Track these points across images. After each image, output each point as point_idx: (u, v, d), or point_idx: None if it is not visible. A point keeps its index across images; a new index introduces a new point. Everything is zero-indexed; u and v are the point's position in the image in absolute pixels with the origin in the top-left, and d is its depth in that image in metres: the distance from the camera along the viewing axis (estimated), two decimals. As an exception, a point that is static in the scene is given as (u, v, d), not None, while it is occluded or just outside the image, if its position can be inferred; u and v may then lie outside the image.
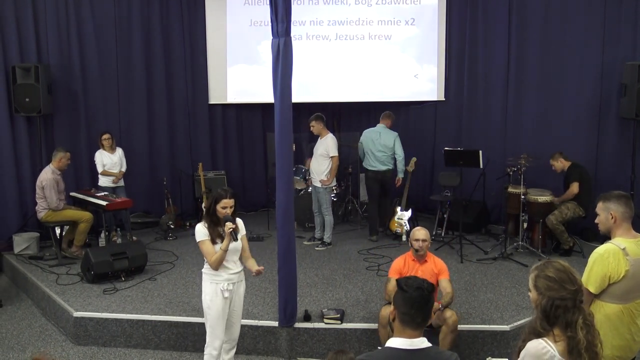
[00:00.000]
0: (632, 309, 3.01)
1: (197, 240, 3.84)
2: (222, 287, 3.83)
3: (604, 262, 2.95)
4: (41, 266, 6.29)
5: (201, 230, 3.83)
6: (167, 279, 5.89)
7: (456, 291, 5.28)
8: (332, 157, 6.86)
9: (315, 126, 6.91)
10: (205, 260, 3.86)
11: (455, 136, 8.22)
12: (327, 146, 6.85)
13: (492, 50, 7.77)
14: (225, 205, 3.78)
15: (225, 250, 3.76)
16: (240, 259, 3.98)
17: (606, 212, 3.09)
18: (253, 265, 3.93)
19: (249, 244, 7.54)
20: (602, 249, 3.00)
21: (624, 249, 2.95)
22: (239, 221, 3.93)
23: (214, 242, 3.81)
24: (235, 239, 3.75)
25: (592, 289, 2.98)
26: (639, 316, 3.02)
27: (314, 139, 7.24)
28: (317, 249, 6.96)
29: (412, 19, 8.39)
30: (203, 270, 3.92)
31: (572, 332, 2.15)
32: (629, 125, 6.69)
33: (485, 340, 4.59)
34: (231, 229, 3.71)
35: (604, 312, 3.00)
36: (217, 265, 3.80)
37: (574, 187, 6.34)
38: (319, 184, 6.93)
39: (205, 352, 3.94)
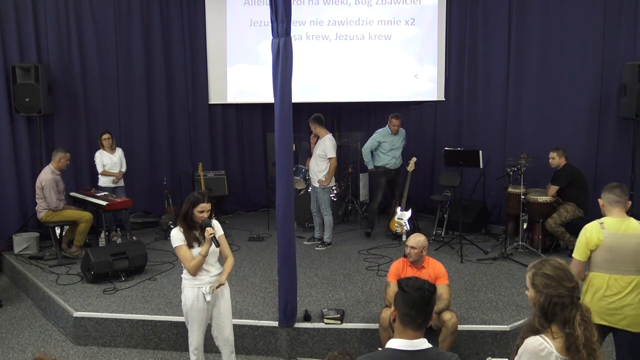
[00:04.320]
0: (610, 281, 3.39)
1: (174, 246, 3.75)
2: (204, 290, 3.75)
3: (585, 233, 3.47)
4: (41, 266, 6.29)
5: (177, 236, 3.74)
6: (167, 279, 5.89)
7: (456, 291, 5.29)
8: (330, 158, 6.85)
9: (311, 128, 6.97)
10: (183, 266, 3.79)
11: (455, 136, 8.22)
12: (325, 147, 6.84)
13: (492, 50, 7.77)
14: (203, 210, 3.70)
15: (205, 256, 3.69)
16: (219, 260, 3.92)
17: (601, 201, 3.58)
18: (225, 271, 3.84)
19: (249, 244, 7.52)
20: (586, 226, 3.53)
21: (601, 223, 3.45)
22: (215, 222, 3.85)
23: (190, 246, 3.73)
24: (217, 245, 3.70)
25: (578, 257, 3.46)
26: (616, 289, 3.35)
27: (306, 139, 7.29)
28: (317, 249, 6.96)
29: (412, 19, 8.39)
30: (182, 275, 3.84)
31: (570, 329, 2.19)
32: (629, 125, 6.69)
33: (485, 340, 4.59)
34: (212, 235, 3.65)
35: (589, 281, 3.48)
36: (196, 271, 3.72)
37: (552, 190, 6.49)
38: (317, 184, 6.93)
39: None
